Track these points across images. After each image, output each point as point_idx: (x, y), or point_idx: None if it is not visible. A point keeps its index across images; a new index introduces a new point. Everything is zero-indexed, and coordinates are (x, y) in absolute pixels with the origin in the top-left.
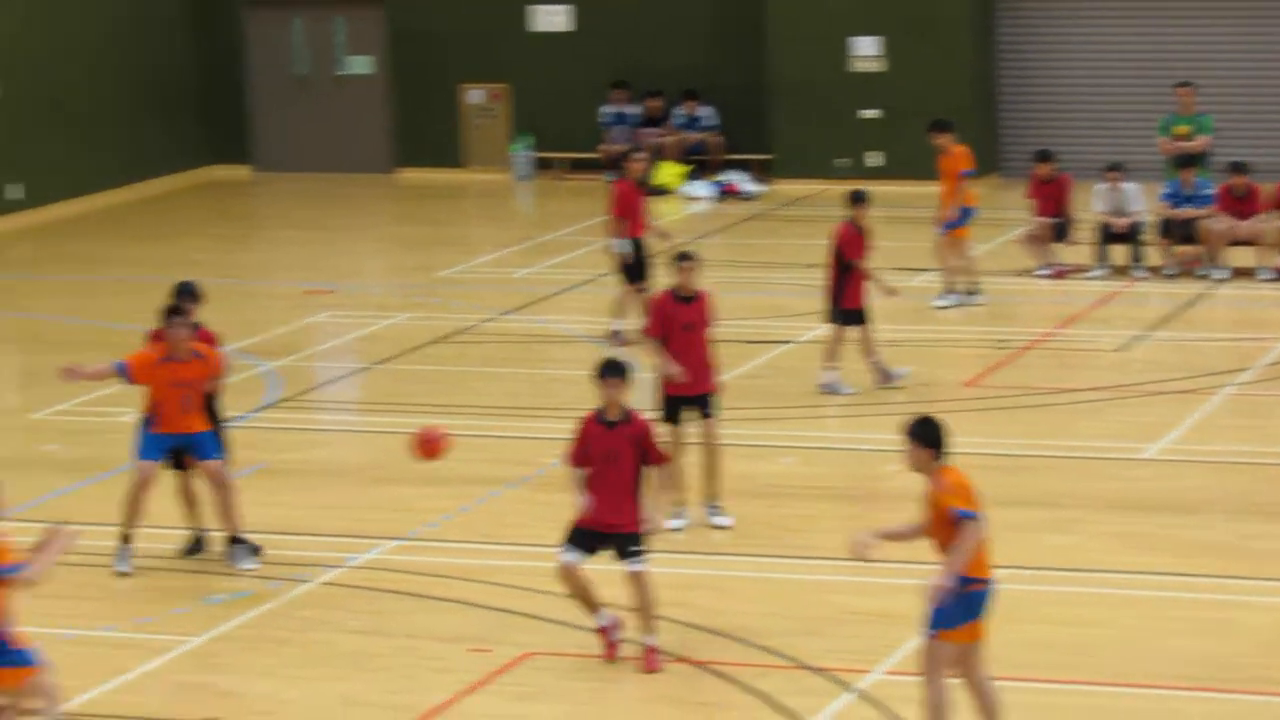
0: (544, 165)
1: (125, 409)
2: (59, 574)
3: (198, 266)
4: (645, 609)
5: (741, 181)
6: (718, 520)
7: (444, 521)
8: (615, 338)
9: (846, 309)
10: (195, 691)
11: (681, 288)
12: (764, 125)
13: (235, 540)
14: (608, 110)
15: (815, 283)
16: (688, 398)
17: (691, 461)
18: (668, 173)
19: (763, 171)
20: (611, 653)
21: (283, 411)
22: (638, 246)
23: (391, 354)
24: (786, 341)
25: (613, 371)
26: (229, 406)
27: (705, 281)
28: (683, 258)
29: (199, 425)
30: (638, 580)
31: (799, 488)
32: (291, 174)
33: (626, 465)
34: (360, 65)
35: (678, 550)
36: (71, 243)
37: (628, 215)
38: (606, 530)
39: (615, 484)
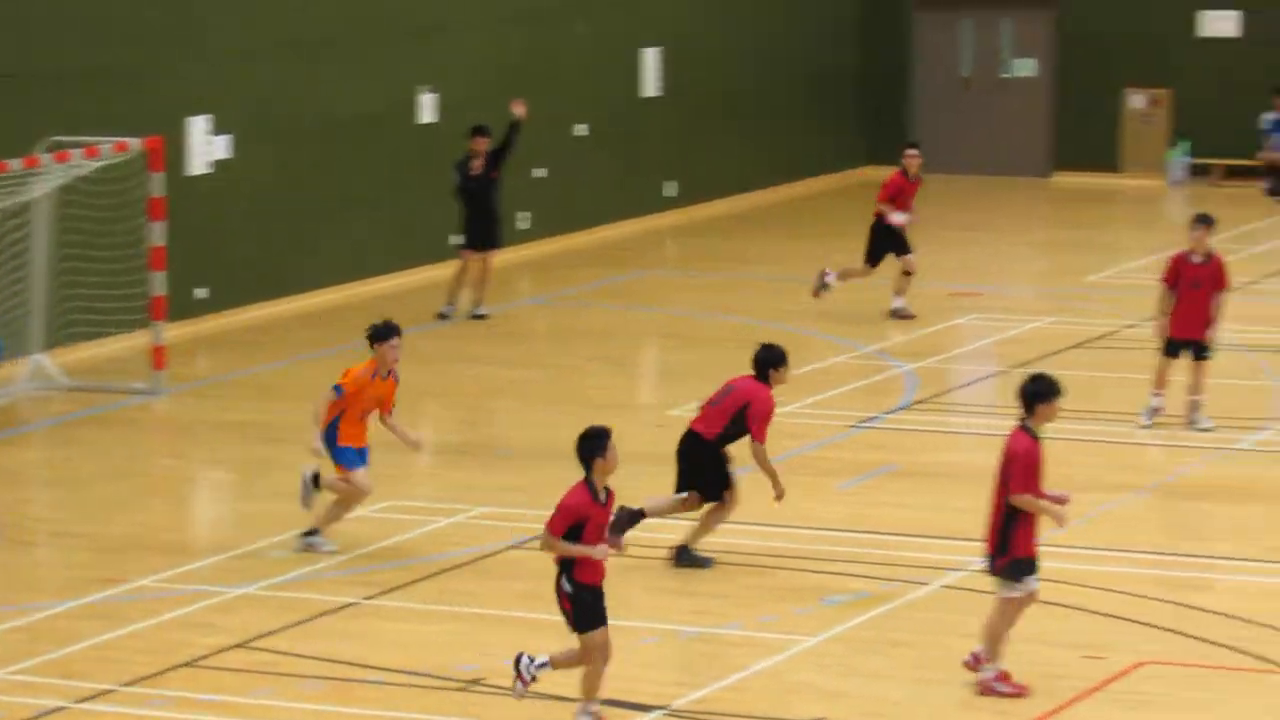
0: (1199, 171)
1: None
2: (687, 573)
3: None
4: None
5: None
6: (1203, 424)
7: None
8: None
9: None
10: (804, 691)
11: (1195, 251)
12: None
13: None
14: (1268, 117)
15: None
16: (1184, 341)
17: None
18: None
19: None
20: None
21: (917, 413)
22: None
23: (1030, 358)
24: None
25: None
26: (867, 406)
27: None
28: (1197, 220)
29: None
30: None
31: None
32: (948, 175)
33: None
34: (1025, 68)
35: None
36: (721, 240)
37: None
38: None
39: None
